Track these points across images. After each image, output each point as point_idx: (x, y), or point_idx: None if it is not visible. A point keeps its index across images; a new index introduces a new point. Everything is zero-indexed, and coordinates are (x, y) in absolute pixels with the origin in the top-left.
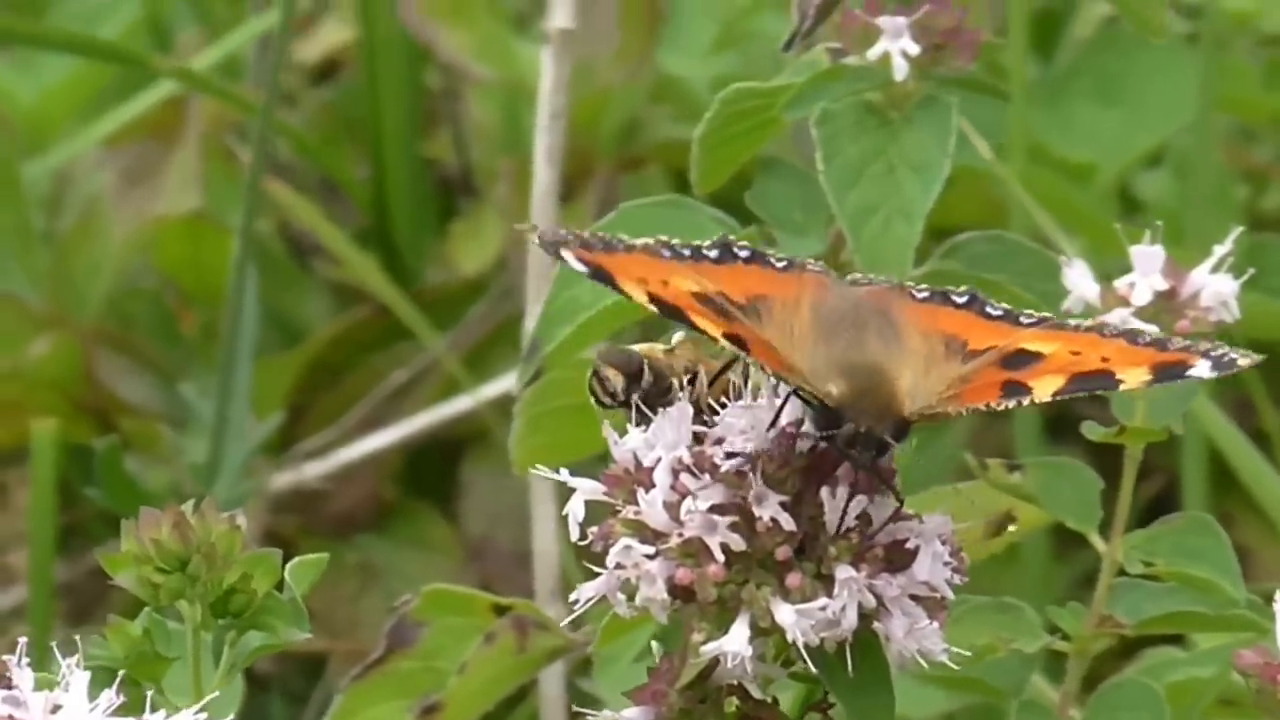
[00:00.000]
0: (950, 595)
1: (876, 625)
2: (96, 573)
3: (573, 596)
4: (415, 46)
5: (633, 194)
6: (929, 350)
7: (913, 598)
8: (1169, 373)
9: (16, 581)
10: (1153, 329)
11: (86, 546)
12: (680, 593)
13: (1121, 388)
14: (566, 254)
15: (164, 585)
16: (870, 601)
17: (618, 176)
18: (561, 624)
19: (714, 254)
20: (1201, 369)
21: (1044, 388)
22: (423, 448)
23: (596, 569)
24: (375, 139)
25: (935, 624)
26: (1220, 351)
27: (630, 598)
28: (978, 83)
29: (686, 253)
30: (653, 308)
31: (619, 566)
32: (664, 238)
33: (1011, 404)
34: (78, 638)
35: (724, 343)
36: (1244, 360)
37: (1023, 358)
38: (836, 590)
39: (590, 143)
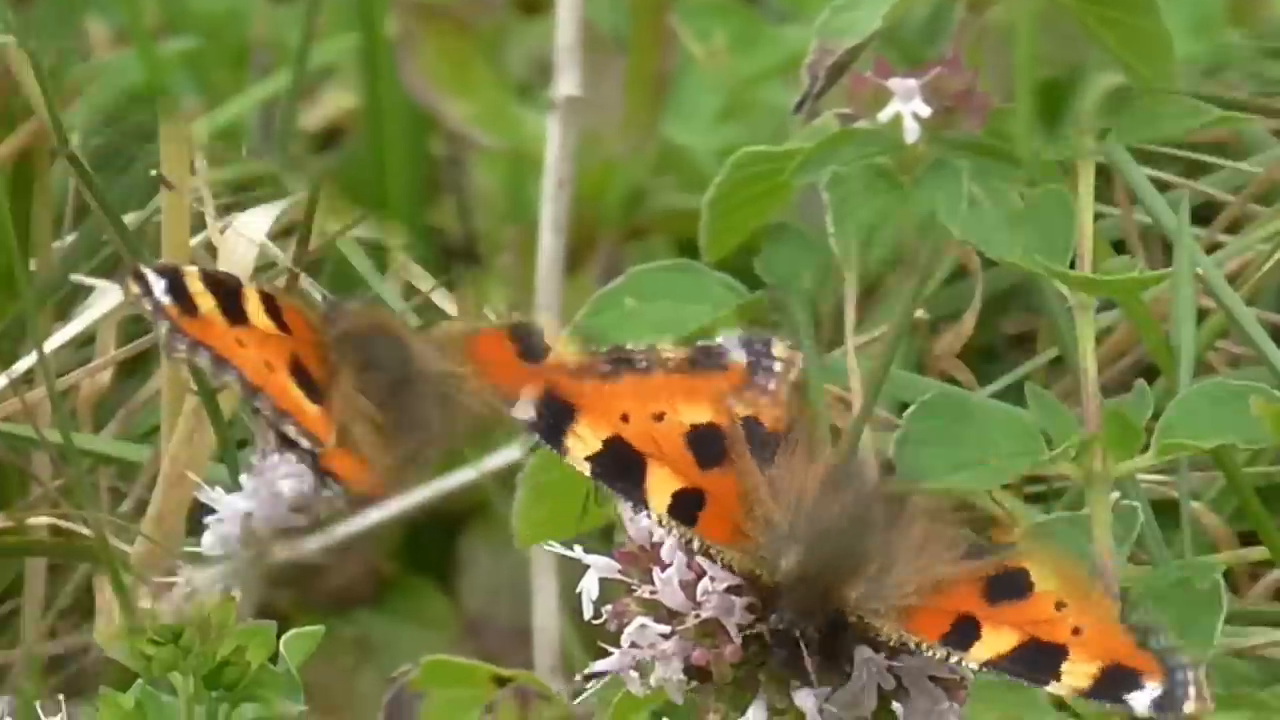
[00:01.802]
0: (970, 676)
1: (895, 706)
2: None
3: (585, 672)
4: (419, 114)
5: (638, 263)
6: None
7: (932, 679)
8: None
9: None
10: None
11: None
12: (697, 673)
13: (1051, 685)
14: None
15: (157, 657)
16: (889, 682)
17: (622, 246)
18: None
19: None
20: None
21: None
22: (422, 522)
23: (607, 647)
24: (379, 207)
25: (955, 704)
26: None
27: (644, 676)
28: (988, 146)
29: (761, 346)
30: (592, 468)
31: (634, 645)
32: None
33: (942, 654)
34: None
35: (658, 514)
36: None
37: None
38: (855, 671)
39: (595, 212)
